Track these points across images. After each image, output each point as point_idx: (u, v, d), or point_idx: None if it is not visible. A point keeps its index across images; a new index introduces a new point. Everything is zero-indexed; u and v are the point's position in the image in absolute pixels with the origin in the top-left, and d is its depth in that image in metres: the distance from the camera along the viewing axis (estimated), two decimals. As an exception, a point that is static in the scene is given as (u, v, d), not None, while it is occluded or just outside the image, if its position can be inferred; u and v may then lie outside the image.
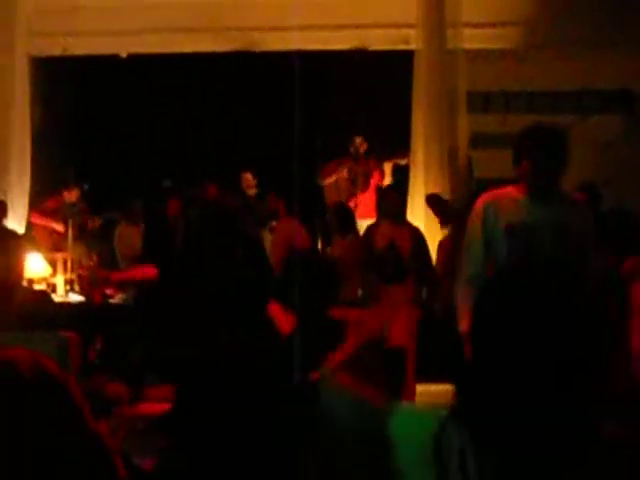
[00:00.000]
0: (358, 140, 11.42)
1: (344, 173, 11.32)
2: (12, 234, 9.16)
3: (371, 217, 9.76)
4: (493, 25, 9.89)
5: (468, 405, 1.73)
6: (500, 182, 5.19)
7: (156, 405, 4.92)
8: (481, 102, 10.89)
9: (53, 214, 11.05)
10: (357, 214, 10.45)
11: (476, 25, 9.41)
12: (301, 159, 7.55)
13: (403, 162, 10.94)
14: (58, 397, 2.02)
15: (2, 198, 9.91)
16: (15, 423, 1.95)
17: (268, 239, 10.38)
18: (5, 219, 9.62)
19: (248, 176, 11.92)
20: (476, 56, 9.72)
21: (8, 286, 4.12)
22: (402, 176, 10.60)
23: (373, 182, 11.25)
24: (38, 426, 1.96)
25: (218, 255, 6.66)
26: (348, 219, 9.78)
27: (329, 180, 11.40)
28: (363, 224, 9.84)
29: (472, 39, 9.33)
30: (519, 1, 9.83)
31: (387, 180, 11.33)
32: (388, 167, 11.50)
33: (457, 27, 9.11)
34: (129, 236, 10.75)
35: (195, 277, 5.93)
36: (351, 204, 10.81)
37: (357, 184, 11.25)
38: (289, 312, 4.56)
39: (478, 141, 10.22)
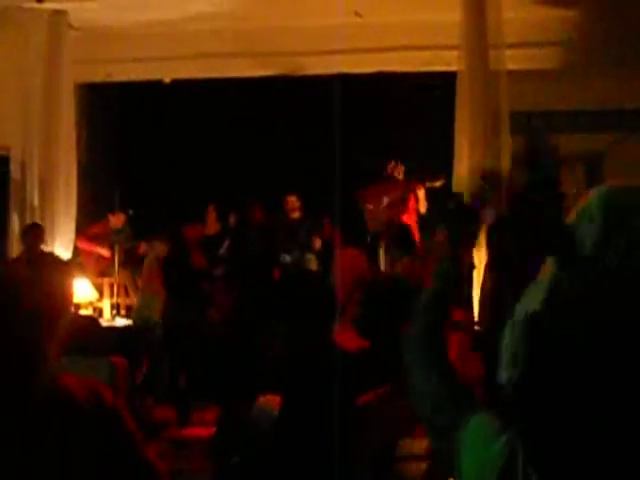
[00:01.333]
0: (392, 164, 11.41)
1: (384, 203, 11.27)
2: (59, 260, 9.25)
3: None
4: (535, 45, 9.87)
5: (536, 444, 1.68)
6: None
7: (203, 428, 4.95)
8: (524, 122, 10.85)
9: (99, 239, 11.13)
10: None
11: (518, 45, 9.38)
12: (343, 181, 7.58)
13: (437, 184, 10.88)
14: (112, 424, 2.04)
15: (49, 223, 9.96)
16: (71, 450, 1.97)
17: (312, 261, 10.38)
18: (42, 243, 9.64)
19: (292, 199, 11.87)
20: (518, 76, 9.68)
21: (56, 312, 4.17)
22: (437, 198, 10.56)
23: (411, 206, 11.20)
24: (93, 452, 1.99)
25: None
26: (404, 240, 9.66)
27: (369, 207, 11.36)
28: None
29: (514, 60, 9.29)
30: (560, 21, 9.80)
31: (422, 204, 11.25)
32: (421, 190, 11.40)
33: (499, 48, 9.08)
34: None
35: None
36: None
37: (396, 209, 11.20)
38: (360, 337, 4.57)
39: (521, 161, 10.16)
